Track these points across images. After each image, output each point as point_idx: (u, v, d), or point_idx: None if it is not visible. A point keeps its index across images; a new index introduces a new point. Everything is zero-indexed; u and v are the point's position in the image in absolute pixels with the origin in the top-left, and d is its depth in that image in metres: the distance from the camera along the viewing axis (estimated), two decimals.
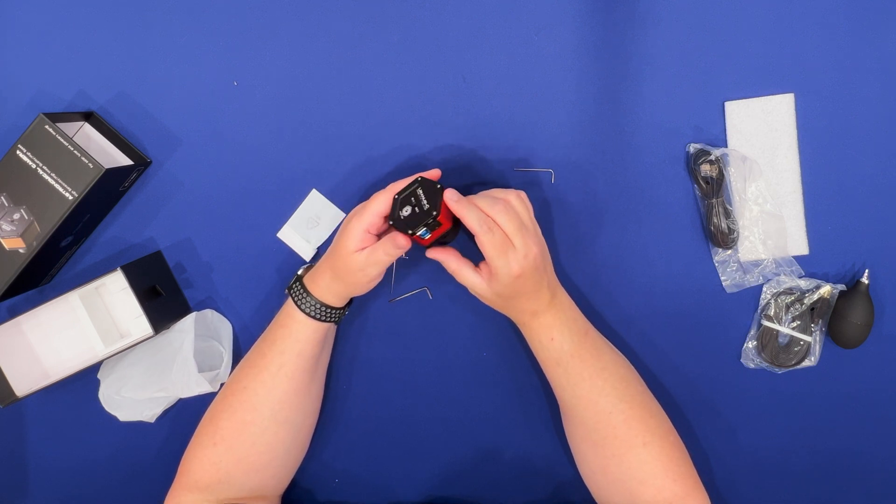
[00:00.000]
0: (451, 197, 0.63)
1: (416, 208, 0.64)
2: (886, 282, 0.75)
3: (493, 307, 0.69)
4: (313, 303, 0.69)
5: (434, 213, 0.63)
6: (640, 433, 0.67)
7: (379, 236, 0.67)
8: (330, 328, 0.73)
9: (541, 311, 0.67)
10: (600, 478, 0.70)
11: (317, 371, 0.74)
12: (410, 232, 0.63)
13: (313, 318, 0.69)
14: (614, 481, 0.68)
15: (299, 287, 0.70)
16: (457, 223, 0.70)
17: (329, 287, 0.69)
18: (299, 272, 0.73)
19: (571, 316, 0.69)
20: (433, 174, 0.67)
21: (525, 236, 0.63)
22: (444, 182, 0.67)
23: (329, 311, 0.70)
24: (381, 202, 0.64)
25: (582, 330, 0.69)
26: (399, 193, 0.64)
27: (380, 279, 0.70)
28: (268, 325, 0.74)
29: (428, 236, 0.65)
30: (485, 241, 0.61)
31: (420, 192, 0.64)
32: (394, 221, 0.64)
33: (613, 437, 0.67)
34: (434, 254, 0.68)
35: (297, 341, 0.70)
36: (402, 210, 0.64)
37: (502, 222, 0.62)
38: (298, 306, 0.69)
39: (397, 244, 0.64)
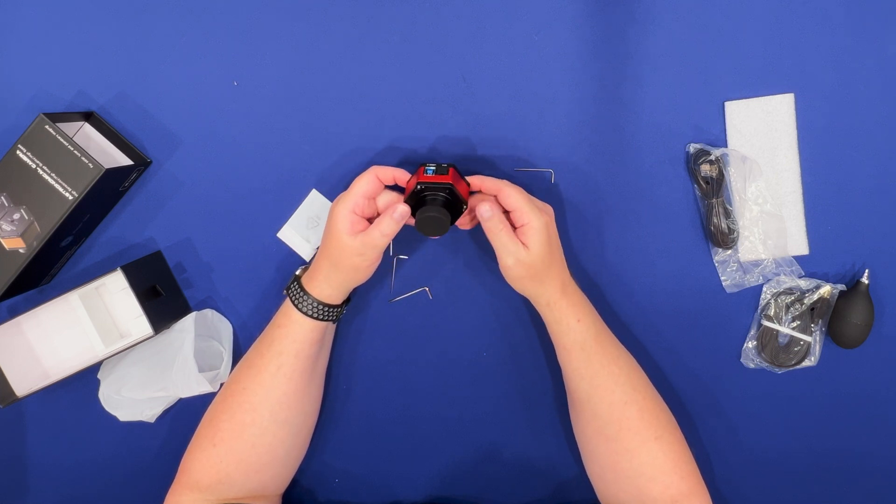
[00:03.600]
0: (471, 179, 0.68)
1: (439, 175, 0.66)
2: (886, 282, 0.75)
3: (522, 284, 0.68)
4: (311, 302, 0.69)
5: (450, 184, 0.64)
6: (652, 426, 0.67)
7: (370, 221, 0.68)
8: (328, 328, 0.73)
9: (567, 284, 0.69)
10: (609, 474, 0.70)
11: (315, 371, 0.74)
12: (419, 187, 0.64)
13: (311, 317, 0.69)
14: (624, 478, 0.68)
15: (297, 287, 0.70)
16: (455, 213, 0.69)
17: (328, 278, 0.68)
18: (297, 272, 0.73)
19: (587, 300, 0.71)
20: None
21: (534, 198, 0.68)
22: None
23: (327, 309, 0.70)
24: (364, 183, 0.65)
25: (598, 315, 0.71)
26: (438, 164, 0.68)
27: (378, 263, 0.69)
28: (267, 323, 0.74)
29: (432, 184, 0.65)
30: (511, 192, 0.65)
31: (451, 172, 0.67)
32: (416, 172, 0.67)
33: (627, 429, 0.67)
34: (479, 207, 0.67)
35: (294, 341, 0.70)
36: (428, 166, 0.67)
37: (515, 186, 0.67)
38: (296, 306, 0.69)
39: (394, 217, 0.64)
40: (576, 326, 0.68)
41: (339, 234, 0.66)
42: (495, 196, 0.67)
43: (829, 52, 0.72)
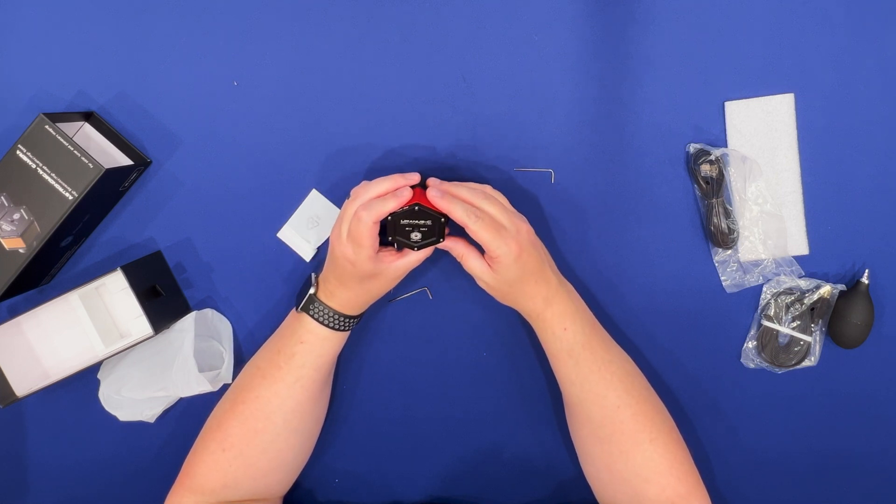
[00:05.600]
0: (435, 194, 0.64)
1: (424, 229, 0.66)
2: (886, 282, 0.75)
3: (503, 301, 0.69)
4: (336, 316, 0.69)
5: (439, 229, 0.65)
6: (646, 429, 0.67)
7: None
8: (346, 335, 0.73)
9: (552, 296, 0.67)
10: (605, 475, 0.70)
11: (329, 378, 0.74)
12: (416, 247, 0.66)
13: (338, 330, 0.70)
14: (620, 479, 0.68)
15: (320, 305, 0.69)
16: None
17: (357, 297, 0.69)
18: (311, 291, 0.70)
19: (581, 306, 0.70)
20: (412, 178, 0.66)
21: (510, 216, 0.65)
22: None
23: (351, 320, 0.70)
24: (369, 235, 0.63)
25: (591, 321, 0.70)
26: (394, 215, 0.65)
27: None
28: (267, 323, 0.74)
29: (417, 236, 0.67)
30: (476, 229, 0.63)
31: (416, 209, 0.65)
32: (394, 225, 0.65)
33: (621, 433, 0.67)
34: (443, 243, 0.68)
35: (319, 356, 0.70)
36: (407, 231, 0.65)
37: (486, 208, 0.64)
38: (324, 324, 0.69)
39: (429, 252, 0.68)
40: (561, 335, 0.68)
41: (379, 271, 0.66)
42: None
43: (829, 52, 0.72)
